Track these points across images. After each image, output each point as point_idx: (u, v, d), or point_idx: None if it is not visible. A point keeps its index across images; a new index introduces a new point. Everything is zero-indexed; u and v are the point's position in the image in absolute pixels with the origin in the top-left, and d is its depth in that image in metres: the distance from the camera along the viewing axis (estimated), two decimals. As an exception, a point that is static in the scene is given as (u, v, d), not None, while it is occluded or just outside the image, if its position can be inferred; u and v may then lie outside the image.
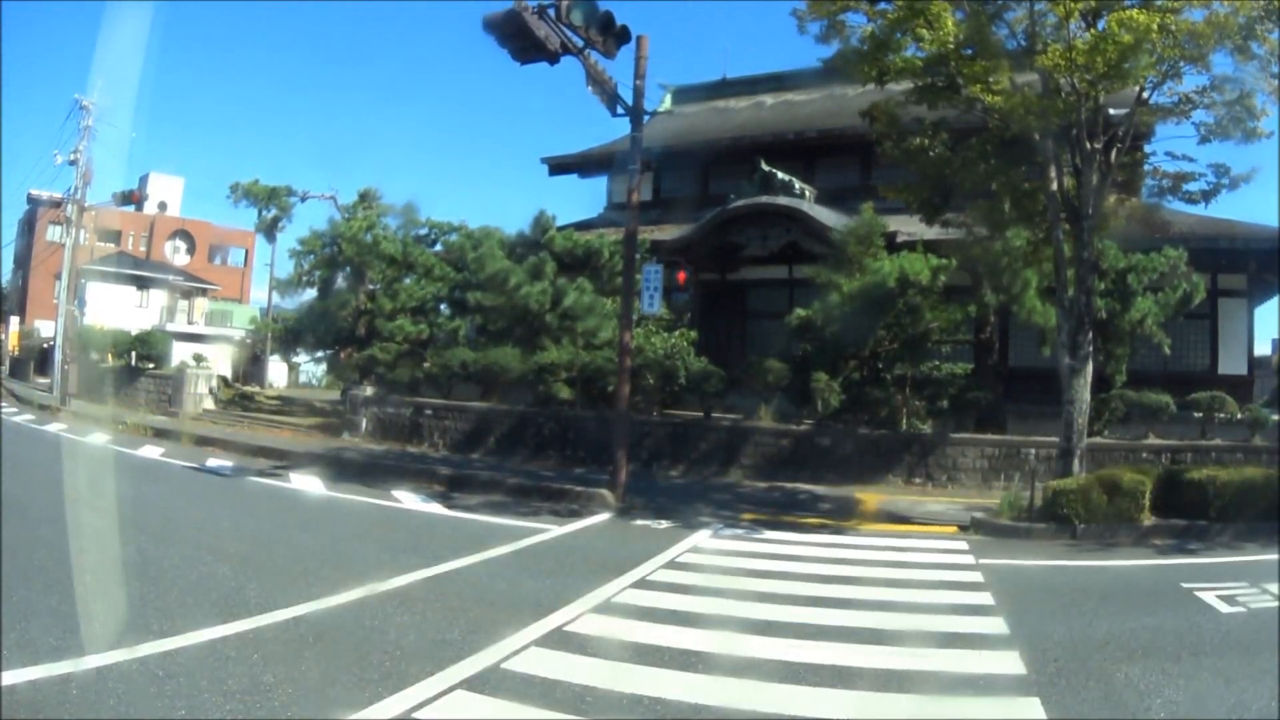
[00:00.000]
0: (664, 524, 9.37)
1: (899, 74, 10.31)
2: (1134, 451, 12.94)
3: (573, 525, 9.15)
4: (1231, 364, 16.34)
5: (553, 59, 8.46)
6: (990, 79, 9.76)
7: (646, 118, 11.26)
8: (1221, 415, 13.78)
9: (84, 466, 12.02)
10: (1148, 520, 9.49)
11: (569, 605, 5.59)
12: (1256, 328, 18.68)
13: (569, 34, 8.48)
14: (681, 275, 10.56)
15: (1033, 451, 13.00)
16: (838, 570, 7.21)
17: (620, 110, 9.88)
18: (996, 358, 15.74)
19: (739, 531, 9.09)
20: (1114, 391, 13.71)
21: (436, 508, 10.08)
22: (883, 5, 10.50)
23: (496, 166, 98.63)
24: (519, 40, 8.21)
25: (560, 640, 4.89)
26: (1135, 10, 9.14)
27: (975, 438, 13.48)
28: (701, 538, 8.54)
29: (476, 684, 4.12)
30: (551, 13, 8.17)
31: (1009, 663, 4.78)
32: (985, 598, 6.39)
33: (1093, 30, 9.79)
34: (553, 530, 8.73)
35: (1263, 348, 24.12)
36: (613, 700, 4.01)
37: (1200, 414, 13.88)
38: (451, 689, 4.02)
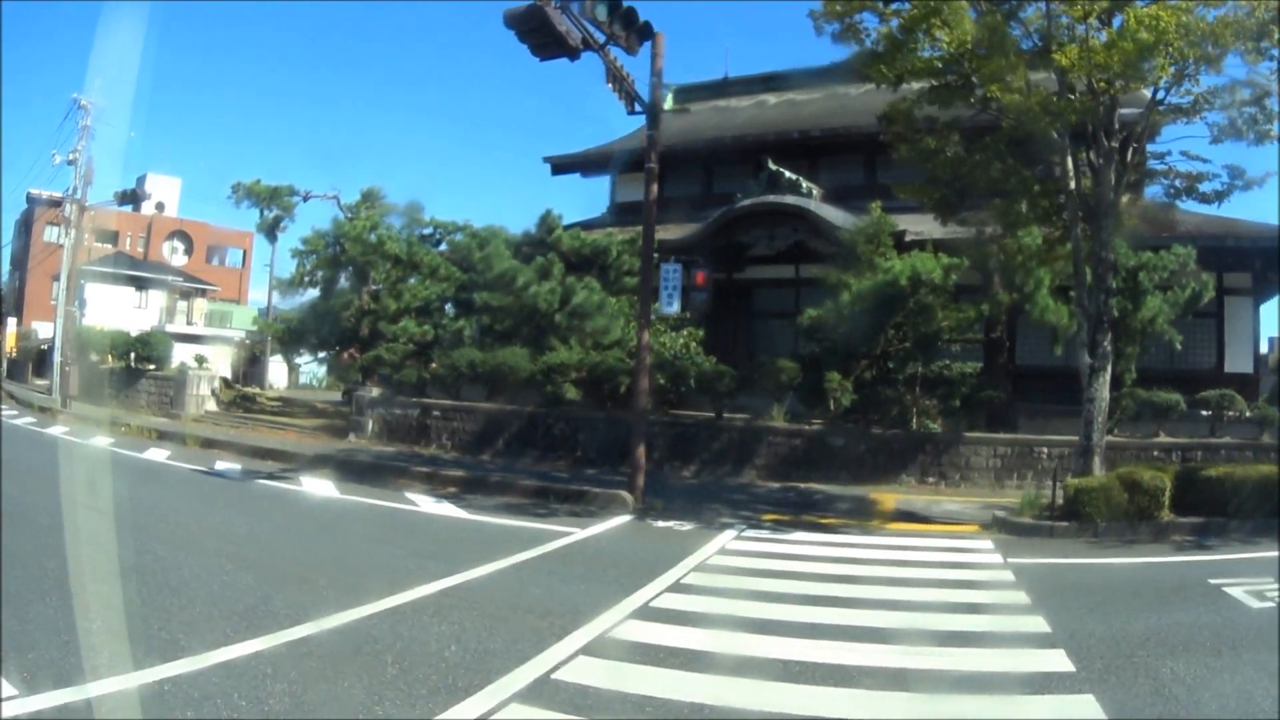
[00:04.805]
0: (687, 526, 9.31)
1: (916, 74, 10.29)
2: (1145, 450, 12.97)
3: (595, 528, 9.07)
4: (1237, 362, 16.40)
5: (574, 55, 8.37)
6: (1007, 78, 9.75)
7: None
8: (1231, 413, 13.84)
9: (91, 471, 11.84)
10: (1166, 517, 9.51)
11: (608, 611, 5.51)
12: (1260, 326, 18.69)
13: (591, 29, 8.39)
14: (700, 276, 10.47)
15: (1045, 450, 13.02)
16: (869, 571, 7.18)
17: (638, 108, 9.82)
18: (1006, 356, 15.74)
19: (763, 533, 9.04)
20: (1124, 390, 13.73)
21: (454, 510, 9.98)
22: (896, 5, 10.49)
23: (493, 166, 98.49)
24: (540, 35, 8.12)
25: (607, 648, 4.81)
26: (1154, 6, 9.12)
27: (988, 437, 13.49)
28: (727, 539, 8.49)
29: (530, 696, 4.01)
30: (575, 7, 8.07)
31: (1056, 660, 4.78)
32: (1021, 597, 6.40)
33: (1109, 29, 9.79)
34: (576, 533, 8.64)
35: (1262, 346, 24.19)
36: (674, 709, 3.94)
37: (1209, 412, 13.93)
38: (505, 702, 3.91)
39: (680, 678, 4.36)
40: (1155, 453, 12.90)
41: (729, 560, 7.50)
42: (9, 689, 3.71)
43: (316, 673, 4.22)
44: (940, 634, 5.31)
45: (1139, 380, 14.04)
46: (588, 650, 4.73)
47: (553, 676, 4.29)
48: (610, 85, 9.15)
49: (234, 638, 4.61)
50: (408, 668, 4.35)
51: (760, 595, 6.16)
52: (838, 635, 5.19)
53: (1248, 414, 13.86)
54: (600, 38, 8.60)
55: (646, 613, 5.60)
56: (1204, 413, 14.01)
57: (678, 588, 6.35)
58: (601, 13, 8.22)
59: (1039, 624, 5.57)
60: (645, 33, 8.94)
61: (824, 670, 4.55)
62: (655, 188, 10.42)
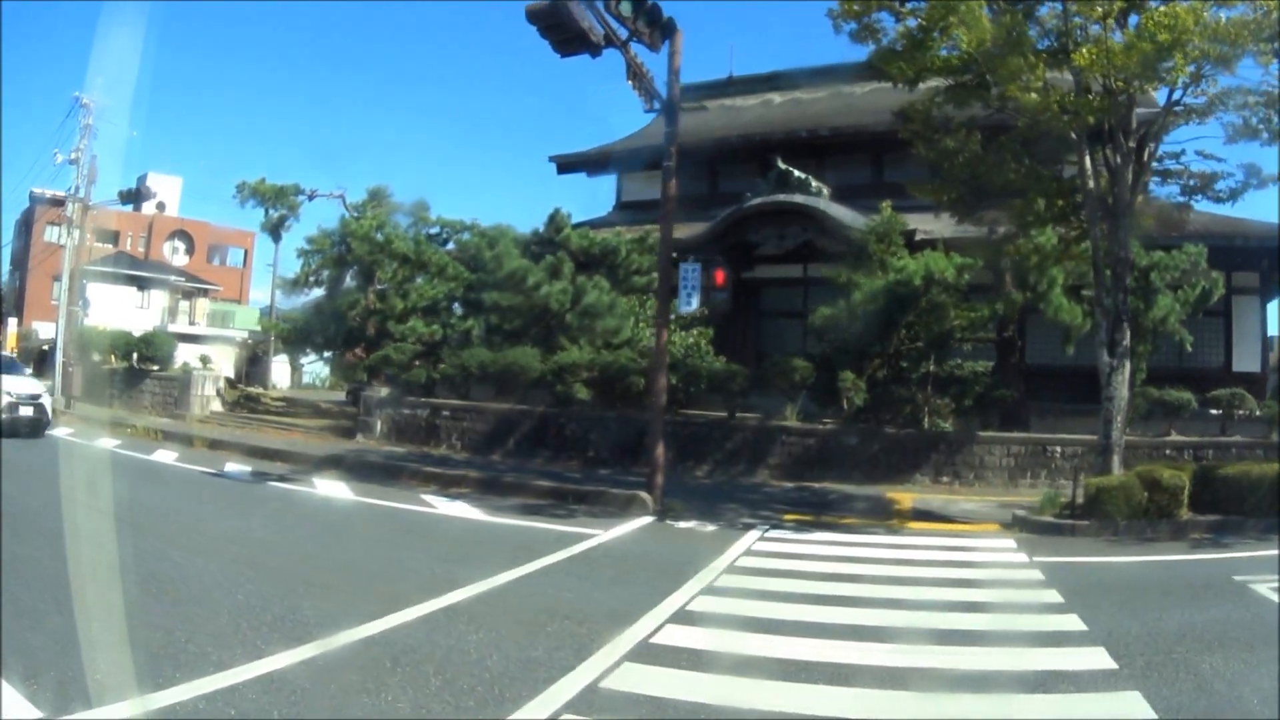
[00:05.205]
0: (709, 527, 9.28)
1: (935, 72, 10.28)
2: (1158, 448, 13.01)
3: (617, 529, 9.01)
4: (1245, 361, 16.46)
5: (595, 51, 8.32)
6: (1025, 78, 9.73)
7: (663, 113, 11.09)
8: (1241, 412, 13.89)
9: (101, 475, 11.66)
10: (1185, 515, 9.52)
11: (646, 616, 5.45)
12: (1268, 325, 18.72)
13: (615, 25, 8.36)
14: (720, 276, 10.44)
15: (1058, 449, 13.05)
16: (900, 571, 7.18)
17: (656, 105, 9.78)
18: (1018, 356, 15.75)
19: (786, 533, 9.02)
20: (1136, 389, 13.74)
21: (472, 512, 9.91)
22: (912, 4, 10.46)
23: (494, 165, 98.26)
24: (561, 31, 8.07)
25: (651, 654, 4.75)
26: (1171, 5, 9.10)
27: (1002, 436, 13.50)
28: (752, 540, 8.46)
29: (581, 707, 3.94)
30: (599, 4, 8.04)
31: (1098, 658, 4.79)
32: (1053, 595, 6.41)
33: (1125, 30, 9.77)
34: (599, 535, 8.58)
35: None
36: (730, 714, 3.90)
37: (1219, 410, 13.97)
38: (558, 713, 3.85)
39: (730, 683, 4.31)
40: (1168, 451, 12.94)
41: (758, 562, 7.47)
42: (31, 711, 3.49)
43: (357, 685, 4.06)
44: (981, 634, 5.32)
45: (1149, 379, 14.07)
46: (632, 657, 4.66)
47: (601, 685, 4.21)
48: (631, 82, 9.11)
49: (266, 649, 4.44)
50: (451, 679, 4.21)
51: (795, 597, 6.12)
52: (880, 637, 5.17)
53: (1257, 412, 13.90)
54: (623, 34, 8.56)
55: (685, 617, 5.54)
56: (1213, 411, 14.05)
57: (711, 590, 6.30)
58: (626, 9, 8.18)
59: (1075, 622, 5.58)
60: (669, 29, 8.92)
61: (873, 672, 4.52)
62: (674, 184, 10.41)
